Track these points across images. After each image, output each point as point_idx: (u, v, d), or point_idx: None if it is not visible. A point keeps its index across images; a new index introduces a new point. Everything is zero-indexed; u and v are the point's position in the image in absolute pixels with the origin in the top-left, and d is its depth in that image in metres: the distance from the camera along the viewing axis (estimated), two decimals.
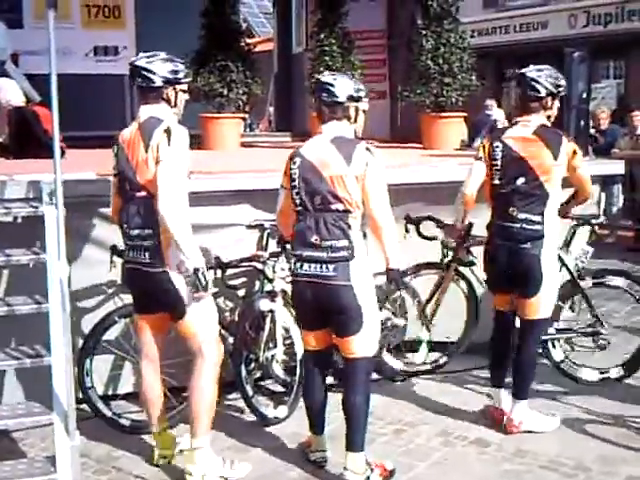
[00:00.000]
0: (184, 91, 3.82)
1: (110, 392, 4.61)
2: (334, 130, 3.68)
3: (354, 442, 3.69)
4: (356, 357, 3.68)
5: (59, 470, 3.38)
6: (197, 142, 4.11)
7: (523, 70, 4.22)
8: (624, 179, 9.95)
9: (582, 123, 5.71)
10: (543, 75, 4.14)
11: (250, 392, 4.45)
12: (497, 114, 10.86)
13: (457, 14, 7.60)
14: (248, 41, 8.17)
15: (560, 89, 4.19)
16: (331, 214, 3.59)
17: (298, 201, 3.67)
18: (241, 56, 7.55)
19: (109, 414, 4.36)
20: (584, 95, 5.70)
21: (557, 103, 4.21)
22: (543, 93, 4.12)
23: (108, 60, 9.11)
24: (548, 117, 4.19)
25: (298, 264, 3.68)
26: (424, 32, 7.43)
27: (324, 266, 3.58)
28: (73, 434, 3.45)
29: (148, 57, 3.75)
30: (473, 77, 7.50)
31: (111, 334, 4.39)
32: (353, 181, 3.57)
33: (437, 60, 7.31)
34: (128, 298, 4.20)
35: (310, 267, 3.63)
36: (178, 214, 3.50)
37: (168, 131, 3.57)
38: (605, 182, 7.06)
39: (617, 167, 6.06)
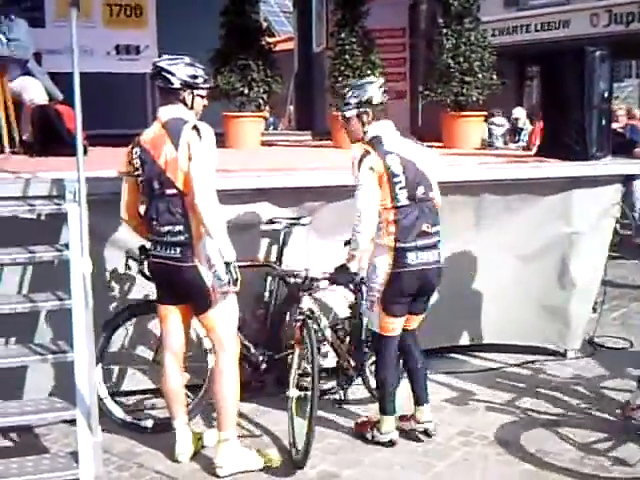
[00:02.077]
0: (202, 96, 3.93)
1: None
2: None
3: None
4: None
5: (81, 466, 3.42)
6: (219, 140, 4.13)
7: None
8: None
9: (604, 123, 5.67)
10: None
11: None
12: (518, 113, 10.81)
13: (478, 13, 7.55)
14: (268, 40, 8.15)
15: None
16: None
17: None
18: (262, 55, 7.55)
19: (129, 419, 4.41)
20: (605, 94, 5.66)
21: None
22: None
23: (130, 59, 9.13)
24: None
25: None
26: (445, 31, 7.39)
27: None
28: (95, 430, 3.49)
29: (170, 59, 3.87)
30: (494, 76, 7.46)
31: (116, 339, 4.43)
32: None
33: (457, 59, 7.27)
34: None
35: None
36: (213, 209, 3.66)
37: (197, 129, 3.71)
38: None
39: (637, 167, 6.01)
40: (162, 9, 9.00)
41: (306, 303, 4.25)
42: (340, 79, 7.40)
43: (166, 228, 3.76)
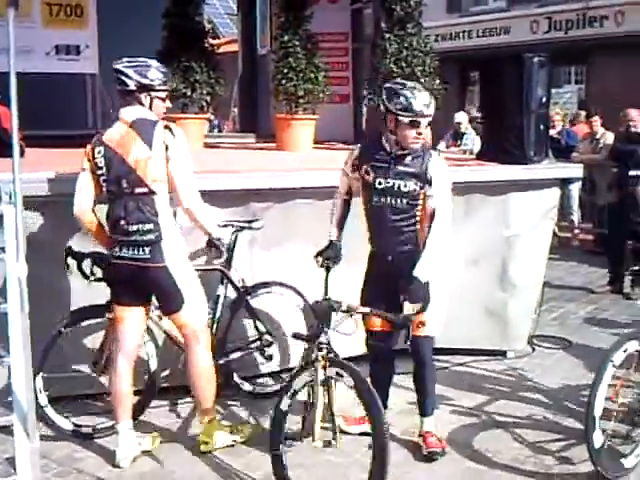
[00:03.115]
0: (161, 99, 3.98)
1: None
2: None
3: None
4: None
5: (19, 472, 3.36)
6: None
7: None
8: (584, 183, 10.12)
9: (542, 127, 5.79)
10: None
11: None
12: (460, 117, 10.92)
13: (420, 18, 7.64)
14: (212, 42, 8.12)
15: None
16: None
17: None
18: (205, 57, 7.53)
19: (70, 426, 4.32)
20: (544, 100, 5.77)
21: None
22: None
23: (70, 59, 8.97)
24: None
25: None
26: (388, 36, 7.46)
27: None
28: (33, 436, 3.42)
29: (129, 61, 3.94)
30: (436, 81, 7.55)
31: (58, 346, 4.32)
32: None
33: (400, 64, 7.34)
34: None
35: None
36: (201, 203, 3.92)
37: (170, 129, 3.85)
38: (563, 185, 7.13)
39: (576, 170, 6.15)
40: (103, 9, 8.89)
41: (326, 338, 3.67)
42: (283, 82, 7.42)
43: (135, 227, 3.81)
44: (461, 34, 19.17)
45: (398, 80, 4.04)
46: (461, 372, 5.54)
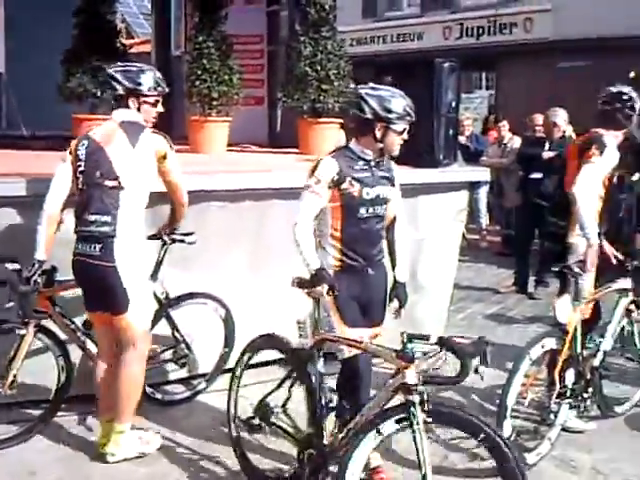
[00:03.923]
0: (149, 103, 4.08)
1: None
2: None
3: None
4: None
5: None
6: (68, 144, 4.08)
7: None
8: (492, 186, 10.41)
9: (451, 132, 5.93)
10: None
11: None
12: None
13: (335, 22, 7.71)
14: (124, 42, 8.00)
15: None
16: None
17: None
18: (116, 57, 7.37)
19: None
20: (453, 104, 5.92)
21: None
22: None
23: None
24: None
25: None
26: (302, 38, 7.50)
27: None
28: None
29: (121, 66, 4.09)
30: (351, 84, 7.64)
31: None
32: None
33: (315, 67, 7.39)
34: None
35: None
36: None
37: (164, 136, 4.02)
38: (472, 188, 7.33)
39: (483, 174, 6.33)
40: (11, 7, 8.63)
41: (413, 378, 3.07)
42: (197, 83, 7.36)
43: (94, 217, 3.85)
44: (376, 39, 19.41)
45: (380, 86, 3.73)
46: (375, 373, 5.59)
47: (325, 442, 3.48)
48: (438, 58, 5.98)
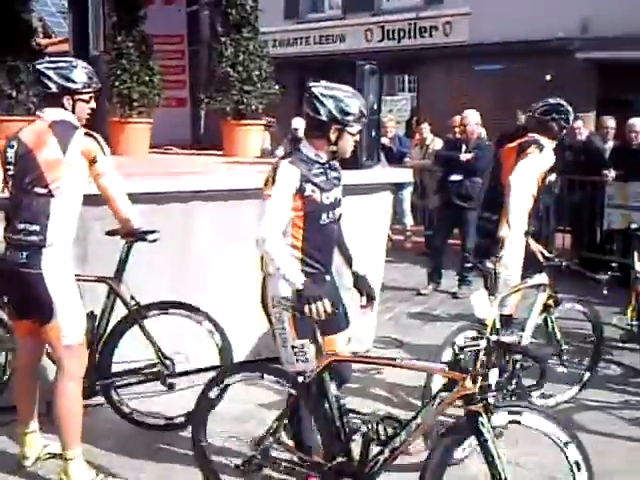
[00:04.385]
0: (84, 101, 3.84)
1: None
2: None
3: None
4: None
5: None
6: None
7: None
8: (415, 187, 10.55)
9: (373, 133, 5.97)
10: None
11: None
12: (297, 123, 11.08)
13: (257, 23, 7.69)
14: (40, 41, 7.80)
15: None
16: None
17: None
18: (32, 57, 7.18)
19: None
20: (375, 106, 5.96)
21: None
22: None
23: None
24: None
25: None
26: (224, 39, 7.46)
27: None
28: None
29: (51, 61, 3.83)
30: (276, 86, 7.63)
31: None
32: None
33: (237, 68, 7.37)
34: None
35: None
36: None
37: (94, 137, 3.75)
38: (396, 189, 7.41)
39: (406, 175, 6.40)
40: None
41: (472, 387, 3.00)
42: (117, 84, 7.23)
43: (22, 225, 3.67)
44: (299, 40, 19.44)
45: (334, 85, 3.54)
46: None
47: (356, 464, 3.25)
48: (360, 60, 6.01)
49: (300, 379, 3.32)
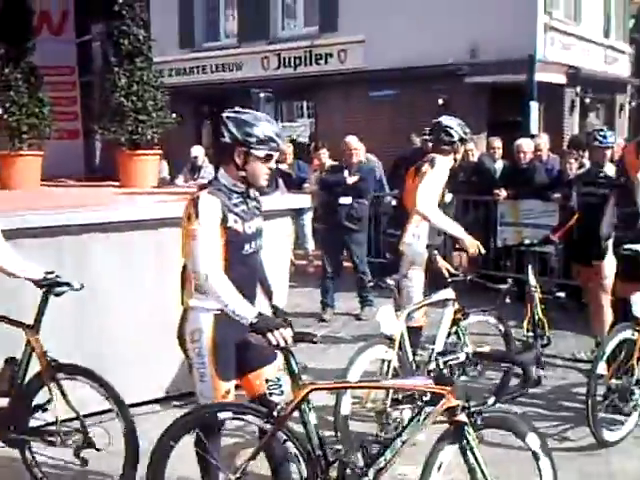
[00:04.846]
0: None
1: None
2: None
3: None
4: None
5: None
6: None
7: None
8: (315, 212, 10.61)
9: None
10: None
11: None
12: (196, 151, 11.04)
13: (150, 52, 7.64)
14: None
15: None
16: None
17: None
18: None
19: None
20: None
21: None
22: None
23: None
24: None
25: None
26: (116, 69, 7.38)
27: None
28: None
29: None
30: (173, 115, 7.60)
31: None
32: None
33: (131, 97, 7.29)
34: None
35: None
36: None
37: None
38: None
39: (305, 200, 6.46)
40: None
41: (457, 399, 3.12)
42: (5, 117, 7.04)
43: None
44: (195, 69, 19.39)
45: (244, 109, 3.50)
46: None
47: None
48: (255, 88, 6.07)
49: (275, 413, 3.23)
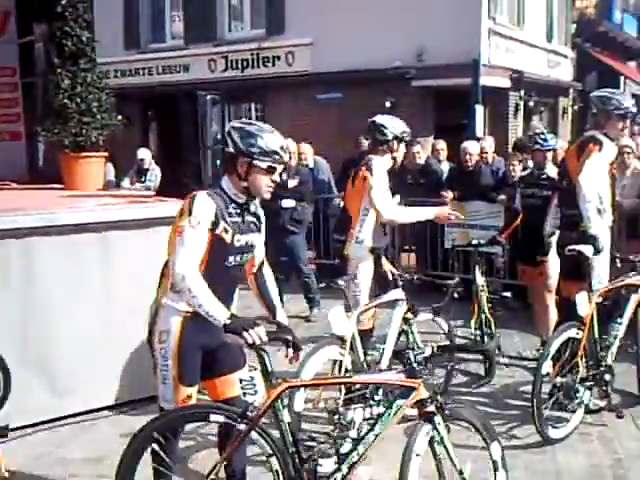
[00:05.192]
0: None
1: None
2: None
3: None
4: None
5: None
6: None
7: None
8: None
9: (218, 162, 5.97)
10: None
11: None
12: (143, 154, 10.90)
13: (94, 54, 7.52)
14: None
15: None
16: None
17: None
18: None
19: None
20: (218, 136, 5.97)
21: None
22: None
23: None
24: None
25: None
26: (59, 71, 7.24)
27: None
28: None
29: None
30: (119, 117, 7.49)
31: None
32: None
33: (75, 99, 7.15)
34: None
35: None
36: None
37: None
38: None
39: None
40: None
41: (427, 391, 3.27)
42: None
43: None
44: (141, 70, 19.17)
45: (248, 120, 3.55)
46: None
47: None
48: (202, 91, 6.01)
49: (249, 413, 3.22)
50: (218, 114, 6.07)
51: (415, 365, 3.26)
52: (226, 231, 3.37)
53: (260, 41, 17.57)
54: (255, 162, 3.35)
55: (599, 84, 19.50)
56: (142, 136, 17.04)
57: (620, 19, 23.04)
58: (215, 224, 3.33)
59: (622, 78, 23.88)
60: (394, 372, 3.43)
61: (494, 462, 3.39)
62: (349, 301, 5.12)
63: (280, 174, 3.50)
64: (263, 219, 3.65)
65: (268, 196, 3.48)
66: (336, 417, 4.44)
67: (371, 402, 4.59)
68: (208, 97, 5.90)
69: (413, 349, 3.33)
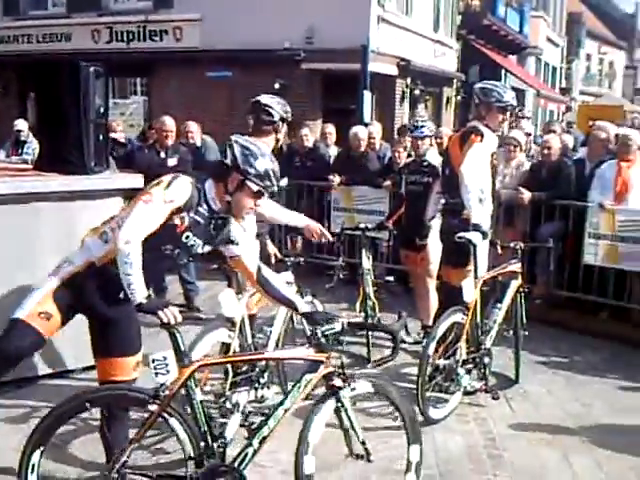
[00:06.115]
0: None
1: None
2: None
3: None
4: None
5: None
6: None
7: None
8: None
9: (101, 137, 5.75)
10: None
11: None
12: (21, 125, 10.41)
13: None
14: None
15: None
16: None
17: None
18: None
19: None
20: (102, 110, 5.74)
21: None
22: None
23: None
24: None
25: None
26: None
27: None
28: None
29: None
30: None
31: None
32: None
33: None
34: None
35: None
36: None
37: None
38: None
39: (138, 181, 6.22)
40: None
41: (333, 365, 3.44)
42: None
43: None
44: (20, 38, 18.30)
45: (253, 140, 3.56)
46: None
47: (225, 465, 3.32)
48: (86, 62, 5.75)
49: (161, 393, 3.18)
50: (101, 87, 5.81)
51: (323, 340, 3.34)
52: (182, 219, 3.40)
53: (147, 14, 17.14)
54: (248, 182, 3.38)
55: (481, 76, 20.19)
56: (20, 106, 16.30)
57: (504, 13, 23.85)
58: (179, 210, 3.35)
59: (503, 71, 24.81)
60: (305, 347, 3.50)
61: (409, 463, 3.57)
62: (235, 284, 5.03)
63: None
64: (231, 238, 3.64)
65: (244, 220, 3.59)
66: (222, 400, 4.40)
67: (256, 385, 4.59)
68: (91, 69, 5.64)
69: (322, 324, 3.38)
